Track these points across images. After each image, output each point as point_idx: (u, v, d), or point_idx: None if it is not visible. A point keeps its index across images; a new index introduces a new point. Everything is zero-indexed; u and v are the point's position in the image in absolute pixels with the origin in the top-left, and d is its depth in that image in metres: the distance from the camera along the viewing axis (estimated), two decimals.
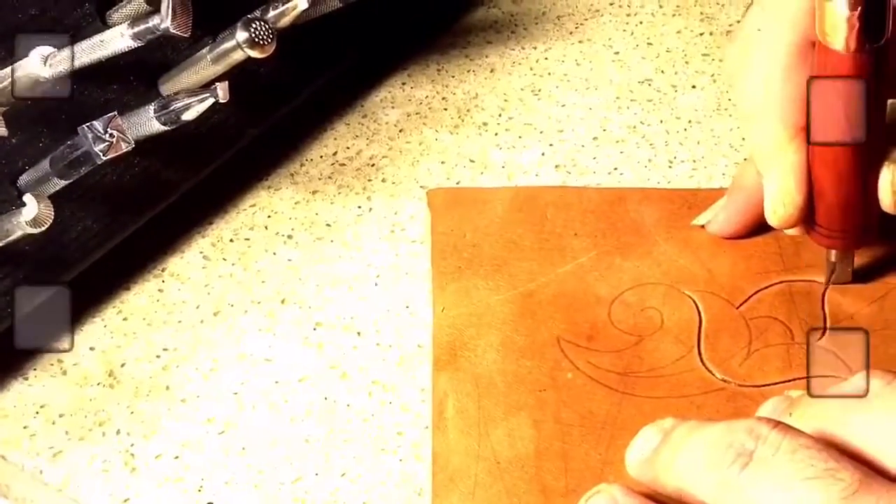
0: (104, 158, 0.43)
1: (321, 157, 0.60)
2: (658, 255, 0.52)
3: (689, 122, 0.61)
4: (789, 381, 0.47)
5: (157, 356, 0.50)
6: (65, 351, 0.50)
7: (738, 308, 0.50)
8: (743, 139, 0.58)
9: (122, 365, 0.50)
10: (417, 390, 0.48)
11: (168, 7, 0.43)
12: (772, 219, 0.48)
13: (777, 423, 0.37)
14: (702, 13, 0.68)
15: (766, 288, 0.50)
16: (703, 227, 0.52)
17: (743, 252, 0.52)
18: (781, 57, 0.46)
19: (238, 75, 0.51)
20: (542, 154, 0.59)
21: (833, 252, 0.49)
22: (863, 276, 0.50)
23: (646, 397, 0.46)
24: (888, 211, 0.46)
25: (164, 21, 0.43)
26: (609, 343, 0.48)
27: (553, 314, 0.49)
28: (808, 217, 0.48)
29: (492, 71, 0.64)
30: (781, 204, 0.47)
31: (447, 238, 0.52)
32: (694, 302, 0.50)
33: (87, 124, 0.43)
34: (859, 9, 0.43)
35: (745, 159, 0.56)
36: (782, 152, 0.46)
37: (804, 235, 0.50)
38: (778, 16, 0.46)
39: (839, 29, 0.43)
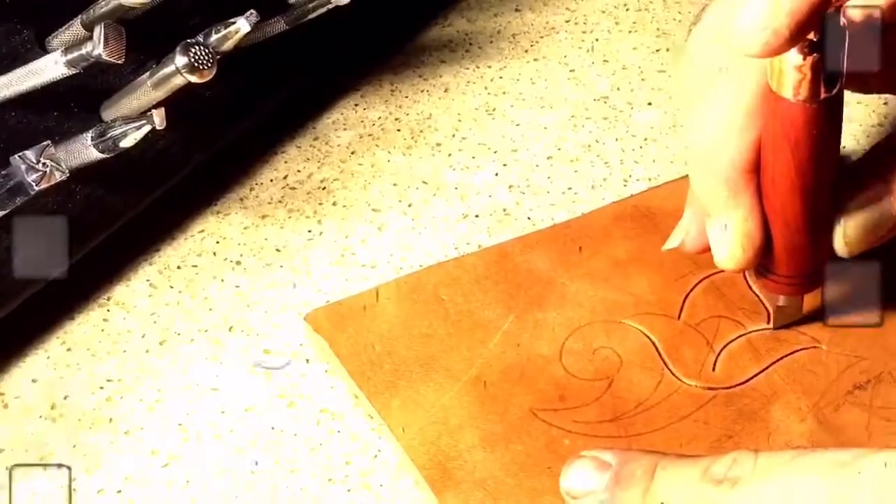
0: (37, 189, 0.42)
1: (271, 180, 0.59)
2: (573, 295, 0.50)
3: (645, 139, 0.60)
4: (769, 366, 0.47)
5: (101, 387, 0.49)
6: None
7: (679, 319, 0.49)
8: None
9: (65, 397, 0.49)
10: (366, 418, 0.48)
11: (100, 34, 0.42)
12: (729, 262, 0.46)
13: None
14: (658, 29, 0.67)
15: (692, 290, 0.49)
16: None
17: (652, 266, 0.51)
18: (745, 100, 0.44)
19: (184, 99, 0.50)
20: (496, 174, 0.59)
21: (782, 297, 0.48)
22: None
23: (650, 433, 0.45)
24: (841, 256, 0.46)
25: (96, 48, 0.43)
26: (582, 396, 0.47)
27: (512, 390, 0.47)
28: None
29: (446, 90, 0.64)
30: (741, 247, 0.45)
31: (357, 357, 0.48)
32: (637, 328, 0.49)
33: (20, 154, 0.42)
34: (810, 58, 0.40)
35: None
36: (740, 196, 0.45)
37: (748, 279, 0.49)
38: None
39: (789, 77, 0.41)
